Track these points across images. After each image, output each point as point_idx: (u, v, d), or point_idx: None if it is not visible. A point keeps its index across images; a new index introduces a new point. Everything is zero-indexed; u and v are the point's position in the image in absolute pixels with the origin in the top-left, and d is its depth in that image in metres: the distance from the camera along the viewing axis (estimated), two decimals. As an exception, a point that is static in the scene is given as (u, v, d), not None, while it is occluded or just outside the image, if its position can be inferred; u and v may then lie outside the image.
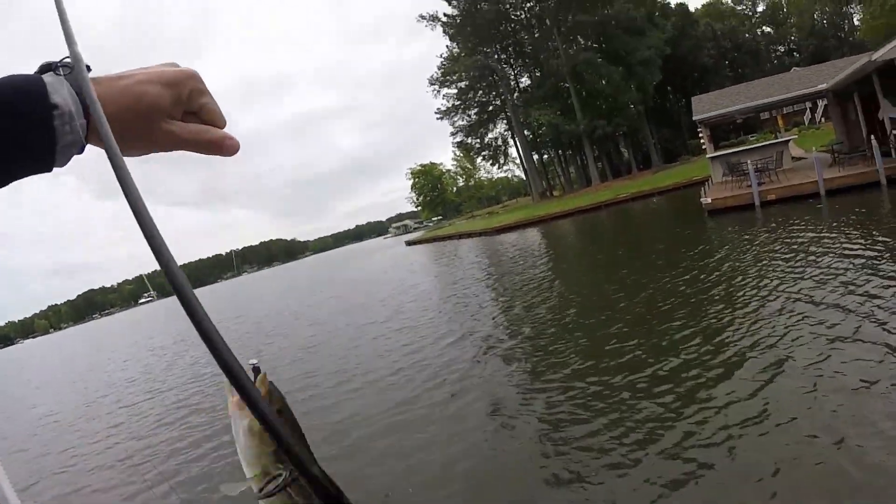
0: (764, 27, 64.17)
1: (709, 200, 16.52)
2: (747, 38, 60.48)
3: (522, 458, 4.56)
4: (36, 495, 6.84)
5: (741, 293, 7.44)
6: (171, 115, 0.49)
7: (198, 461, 6.41)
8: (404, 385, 7.17)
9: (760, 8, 64.20)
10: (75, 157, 0.47)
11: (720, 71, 56.17)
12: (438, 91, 57.46)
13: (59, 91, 0.43)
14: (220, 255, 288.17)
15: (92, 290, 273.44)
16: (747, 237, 11.55)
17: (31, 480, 7.49)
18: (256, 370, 0.54)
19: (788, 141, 21.83)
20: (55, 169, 0.46)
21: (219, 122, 0.53)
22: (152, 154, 0.51)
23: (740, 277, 8.30)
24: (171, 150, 0.50)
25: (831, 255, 8.14)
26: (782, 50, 63.30)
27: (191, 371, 12.84)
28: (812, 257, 8.29)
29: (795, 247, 9.30)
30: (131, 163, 0.41)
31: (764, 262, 8.93)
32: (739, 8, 64.69)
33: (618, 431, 4.52)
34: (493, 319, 9.96)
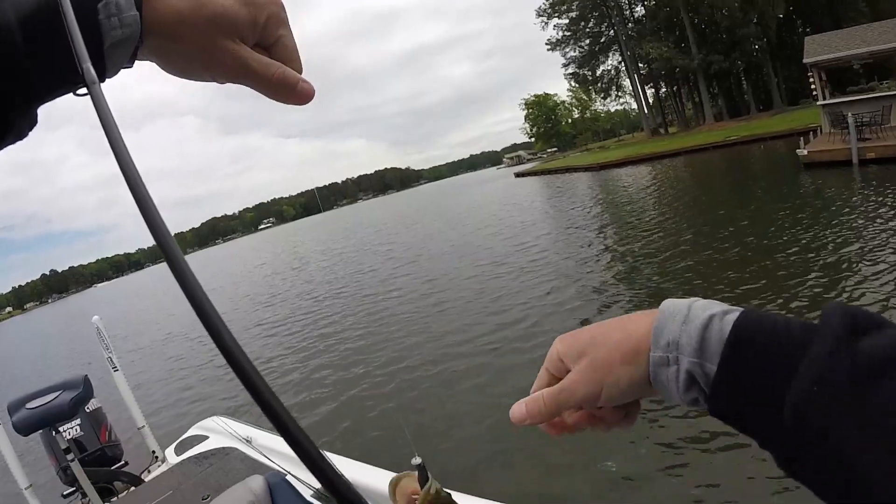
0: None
1: (805, 153, 15.87)
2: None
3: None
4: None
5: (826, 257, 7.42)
6: (241, 37, 0.42)
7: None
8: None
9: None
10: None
11: (856, 5, 53.05)
12: (546, 22, 59.70)
13: None
14: (336, 182, 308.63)
15: (215, 218, 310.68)
16: (835, 196, 11.30)
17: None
18: (422, 471, 0.51)
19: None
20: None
21: (295, 62, 0.45)
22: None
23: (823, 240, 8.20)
24: (230, 81, 0.43)
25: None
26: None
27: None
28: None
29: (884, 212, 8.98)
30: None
31: (850, 225, 8.82)
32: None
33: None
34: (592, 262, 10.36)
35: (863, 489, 0.32)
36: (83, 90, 0.35)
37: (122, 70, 0.41)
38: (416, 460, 0.54)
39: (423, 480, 0.53)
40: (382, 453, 4.58)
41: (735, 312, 0.41)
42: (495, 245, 14.95)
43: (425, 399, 5.91)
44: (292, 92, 0.43)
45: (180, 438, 4.36)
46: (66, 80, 0.37)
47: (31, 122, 0.38)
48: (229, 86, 0.42)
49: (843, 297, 5.89)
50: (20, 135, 0.38)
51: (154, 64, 0.43)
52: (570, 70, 63.36)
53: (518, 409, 0.49)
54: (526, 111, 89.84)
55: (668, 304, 0.45)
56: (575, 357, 0.47)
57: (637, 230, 12.56)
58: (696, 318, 0.42)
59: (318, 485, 2.01)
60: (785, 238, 8.82)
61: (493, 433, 4.73)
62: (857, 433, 0.32)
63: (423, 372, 6.67)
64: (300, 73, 0.45)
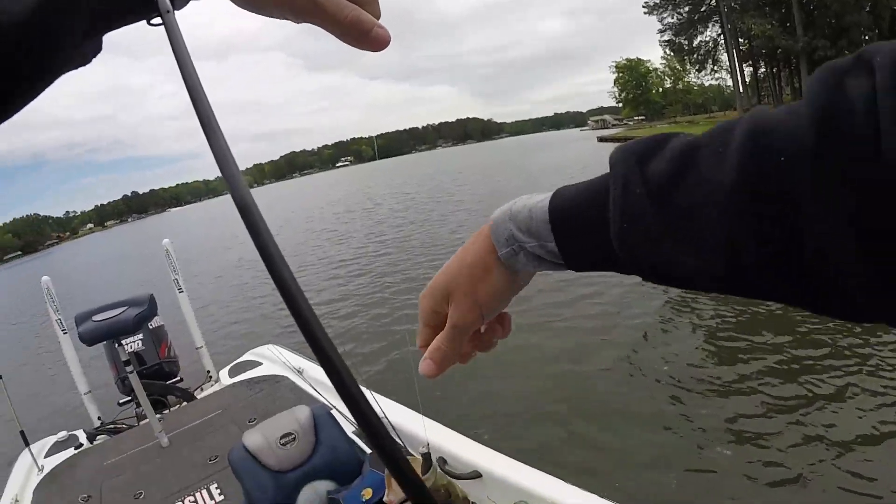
0: None
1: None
2: None
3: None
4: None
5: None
6: None
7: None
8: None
9: None
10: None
11: None
12: None
13: None
14: (417, 128, 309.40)
15: (293, 153, 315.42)
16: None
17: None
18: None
19: None
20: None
21: (370, 5, 0.41)
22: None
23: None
24: (302, 19, 0.40)
25: None
26: None
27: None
28: None
29: None
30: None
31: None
32: None
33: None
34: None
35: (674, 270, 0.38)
36: (157, 19, 0.36)
37: (197, 2, 0.40)
38: (423, 449, 0.51)
39: (425, 469, 0.50)
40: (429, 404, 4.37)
41: (547, 196, 0.46)
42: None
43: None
44: (366, 36, 0.39)
45: (235, 361, 4.47)
46: (137, 10, 0.36)
47: (97, 48, 0.38)
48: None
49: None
50: (85, 61, 0.38)
51: None
52: (666, 37, 61.45)
53: (426, 364, 0.51)
54: (616, 74, 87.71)
55: (496, 212, 0.49)
56: (446, 298, 0.50)
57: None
58: (518, 213, 0.47)
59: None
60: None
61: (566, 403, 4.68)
62: (668, 245, 0.37)
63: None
64: (377, 17, 0.41)
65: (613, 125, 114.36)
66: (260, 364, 4.32)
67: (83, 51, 0.37)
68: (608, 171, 0.42)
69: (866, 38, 48.87)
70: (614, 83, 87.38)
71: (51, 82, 0.37)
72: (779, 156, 0.30)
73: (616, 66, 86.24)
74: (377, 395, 2.55)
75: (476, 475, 2.10)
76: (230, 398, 3.86)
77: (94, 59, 0.39)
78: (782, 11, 49.30)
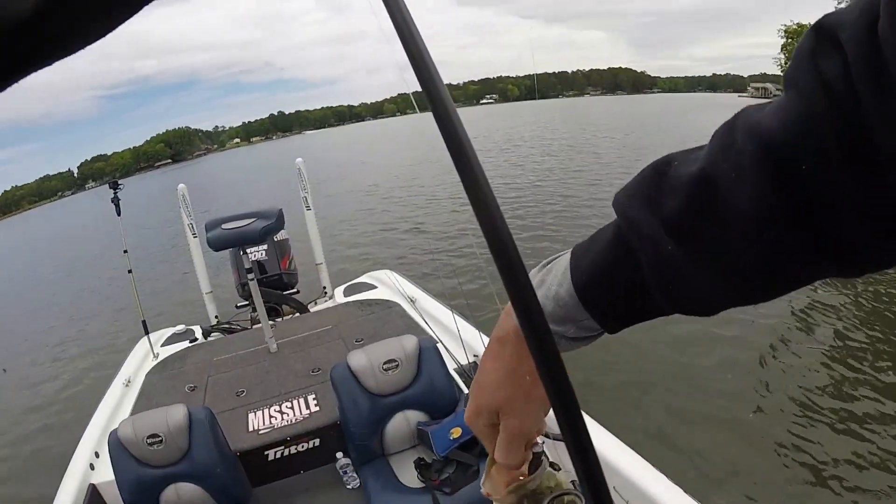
0: None
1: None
2: None
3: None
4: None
5: None
6: None
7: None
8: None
9: None
10: None
11: None
12: None
13: None
14: (566, 72, 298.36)
15: None
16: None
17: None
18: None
19: None
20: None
21: None
22: None
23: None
24: None
25: None
26: None
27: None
28: None
29: None
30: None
31: None
32: None
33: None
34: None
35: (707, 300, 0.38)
36: None
37: None
38: (537, 448, 0.46)
39: (534, 466, 0.46)
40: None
41: (564, 275, 0.43)
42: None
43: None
44: None
45: (351, 282, 4.51)
46: None
47: None
48: None
49: None
50: None
51: None
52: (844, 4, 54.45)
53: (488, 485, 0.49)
54: (785, 40, 78.80)
55: (513, 318, 0.42)
56: (495, 414, 0.46)
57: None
58: (544, 308, 0.42)
59: (463, 361, 2.75)
60: None
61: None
62: (705, 284, 0.36)
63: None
64: None
65: (775, 95, 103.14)
66: (375, 287, 4.33)
67: None
68: (615, 218, 0.41)
69: None
70: (781, 49, 78.66)
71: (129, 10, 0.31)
72: (799, 166, 0.31)
73: (785, 31, 77.07)
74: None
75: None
76: (341, 316, 3.88)
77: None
78: None
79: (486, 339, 2.55)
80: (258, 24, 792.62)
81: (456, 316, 3.05)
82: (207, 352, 3.81)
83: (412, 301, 3.74)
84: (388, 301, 3.93)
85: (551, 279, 0.44)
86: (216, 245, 3.28)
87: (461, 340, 2.84)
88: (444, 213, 12.03)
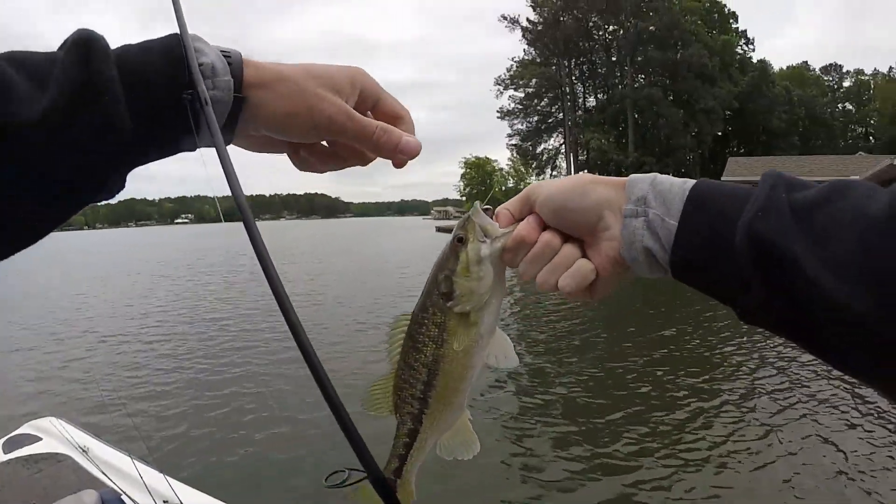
0: (846, 104, 65.39)
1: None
2: (825, 112, 61.88)
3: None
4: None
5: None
6: (340, 91, 0.48)
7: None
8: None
9: (847, 84, 65.51)
10: None
11: (789, 138, 57.66)
12: (501, 91, 62.99)
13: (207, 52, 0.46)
14: (263, 195, 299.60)
15: (133, 199, 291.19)
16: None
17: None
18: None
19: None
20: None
21: (401, 121, 0.51)
22: None
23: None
24: (333, 133, 0.48)
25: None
26: (860, 131, 64.44)
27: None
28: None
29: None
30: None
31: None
32: (826, 78, 66.06)
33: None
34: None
35: (812, 289, 0.38)
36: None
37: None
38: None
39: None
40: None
41: (692, 181, 0.50)
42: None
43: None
44: (395, 147, 0.52)
45: (9, 435, 4.13)
46: (169, 151, 0.46)
47: (122, 185, 0.45)
48: None
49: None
50: (111, 194, 0.44)
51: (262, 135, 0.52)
52: (514, 141, 67.38)
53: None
54: (464, 170, 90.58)
55: (638, 175, 0.55)
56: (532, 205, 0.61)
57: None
58: (661, 181, 0.52)
59: (154, 505, 2.45)
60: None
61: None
62: (803, 245, 0.38)
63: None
64: (411, 133, 0.53)
65: (454, 217, 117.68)
66: (39, 439, 3.83)
67: (112, 186, 0.43)
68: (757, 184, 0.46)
69: (689, 157, 54.19)
70: (461, 178, 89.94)
71: (77, 203, 0.41)
72: None
73: (465, 162, 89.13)
74: None
75: None
76: (4, 478, 3.41)
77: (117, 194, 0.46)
78: (619, 129, 54.85)
79: (173, 482, 2.55)
80: None
81: (136, 462, 2.80)
82: None
83: (85, 451, 3.35)
84: (56, 454, 3.49)
85: (659, 208, 0.51)
86: None
87: (146, 487, 2.59)
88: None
